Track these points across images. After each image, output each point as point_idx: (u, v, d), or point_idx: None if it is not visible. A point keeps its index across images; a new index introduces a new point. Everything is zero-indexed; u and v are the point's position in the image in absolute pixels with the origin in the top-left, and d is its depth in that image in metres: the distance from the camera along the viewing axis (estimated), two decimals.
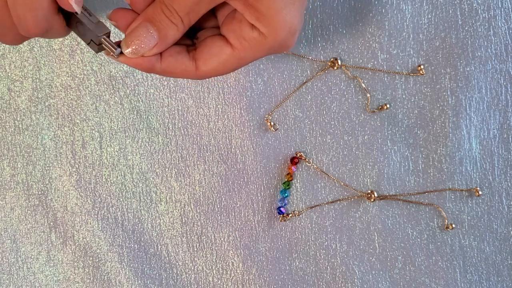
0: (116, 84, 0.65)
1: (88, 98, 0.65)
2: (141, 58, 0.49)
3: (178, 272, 0.67)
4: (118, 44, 0.49)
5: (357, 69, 0.65)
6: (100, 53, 0.54)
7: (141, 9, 0.50)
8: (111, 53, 0.49)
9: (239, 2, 0.49)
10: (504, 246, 0.66)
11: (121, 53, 0.49)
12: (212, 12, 0.52)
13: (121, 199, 0.66)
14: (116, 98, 0.65)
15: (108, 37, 0.49)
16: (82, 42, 0.64)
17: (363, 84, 0.65)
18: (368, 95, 0.65)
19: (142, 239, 0.67)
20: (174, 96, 0.65)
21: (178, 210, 0.67)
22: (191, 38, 0.53)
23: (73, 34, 0.63)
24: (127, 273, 0.67)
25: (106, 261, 0.67)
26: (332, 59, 0.65)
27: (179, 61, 0.50)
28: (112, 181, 0.66)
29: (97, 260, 0.67)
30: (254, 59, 0.51)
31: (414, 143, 0.65)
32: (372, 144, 0.66)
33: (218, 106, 0.66)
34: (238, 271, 0.67)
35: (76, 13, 0.48)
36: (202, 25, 0.53)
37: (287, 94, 0.65)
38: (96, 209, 0.66)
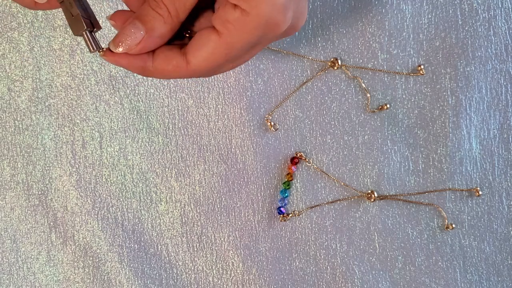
0: (116, 84, 0.65)
1: (88, 98, 0.65)
2: (133, 56, 0.48)
3: (178, 272, 0.67)
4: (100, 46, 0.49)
5: (357, 69, 0.65)
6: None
7: (136, 7, 0.49)
8: (90, 49, 0.48)
9: None
10: (504, 246, 0.66)
11: (101, 50, 0.48)
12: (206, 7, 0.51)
13: (121, 199, 0.66)
14: (116, 98, 0.65)
15: (94, 32, 0.48)
16: (82, 42, 0.64)
17: (363, 84, 0.65)
18: (368, 95, 0.65)
19: (142, 239, 0.67)
20: (174, 96, 0.65)
21: (178, 210, 0.67)
22: (188, 37, 0.52)
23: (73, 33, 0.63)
24: (127, 273, 0.67)
25: (106, 261, 0.67)
26: (332, 59, 0.65)
27: (170, 57, 0.48)
28: (112, 181, 0.66)
29: (97, 260, 0.67)
30: (243, 43, 0.47)
31: (414, 143, 0.65)
32: (372, 144, 0.66)
33: (218, 106, 0.66)
34: (238, 271, 0.67)
35: None
36: (198, 20, 0.51)
37: (287, 94, 0.65)
38: (96, 209, 0.66)
